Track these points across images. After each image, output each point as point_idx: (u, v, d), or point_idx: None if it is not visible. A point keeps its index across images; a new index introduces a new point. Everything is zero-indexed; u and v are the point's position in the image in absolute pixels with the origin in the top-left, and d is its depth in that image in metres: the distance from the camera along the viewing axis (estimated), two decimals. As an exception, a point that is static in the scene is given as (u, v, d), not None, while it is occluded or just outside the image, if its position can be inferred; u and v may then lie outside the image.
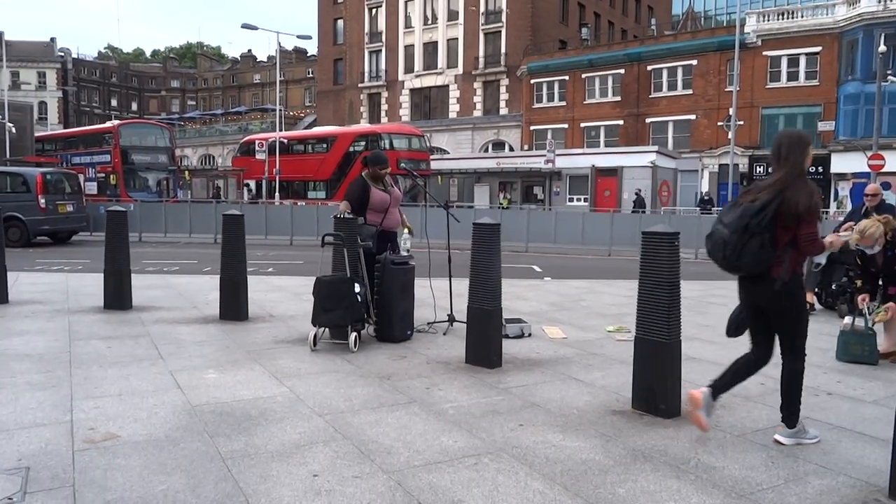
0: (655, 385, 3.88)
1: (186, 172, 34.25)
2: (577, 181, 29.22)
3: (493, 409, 3.97)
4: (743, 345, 5.07)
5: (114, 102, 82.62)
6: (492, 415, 3.88)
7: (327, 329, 5.58)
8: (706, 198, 26.20)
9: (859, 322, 5.21)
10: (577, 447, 3.38)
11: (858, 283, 6.97)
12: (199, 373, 4.69)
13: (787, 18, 33.29)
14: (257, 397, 4.14)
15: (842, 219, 25.33)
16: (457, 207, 15.82)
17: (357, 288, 5.48)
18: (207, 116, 68.50)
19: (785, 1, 52.34)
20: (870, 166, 22.01)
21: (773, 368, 5.00)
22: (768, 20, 33.56)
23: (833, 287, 7.47)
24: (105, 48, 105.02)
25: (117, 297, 7.14)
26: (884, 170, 23.38)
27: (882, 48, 23.17)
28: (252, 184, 31.74)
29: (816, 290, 7.57)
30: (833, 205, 31.33)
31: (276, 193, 28.76)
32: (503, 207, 27.68)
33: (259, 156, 29.77)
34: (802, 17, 33.15)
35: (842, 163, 30.88)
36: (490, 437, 3.51)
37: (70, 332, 6.02)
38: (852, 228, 7.36)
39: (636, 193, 25.54)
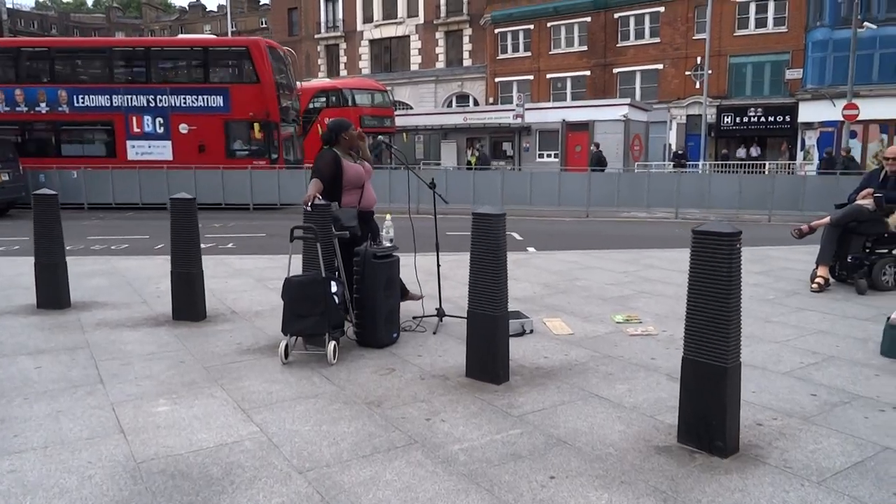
0: (710, 417, 3.19)
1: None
2: (547, 136, 28.37)
3: (513, 452, 3.25)
4: (782, 339, 4.36)
5: (54, 57, 78.23)
6: (513, 460, 3.15)
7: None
8: (679, 152, 25.66)
9: None
10: (631, 514, 2.69)
11: None
12: (147, 404, 3.86)
13: (757, -37, 32.46)
14: (220, 444, 3.34)
15: (811, 170, 25.05)
16: (423, 167, 14.94)
17: (334, 287, 4.66)
18: (156, 71, 65.21)
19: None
20: (844, 116, 21.65)
21: (817, 372, 4.30)
22: (737, -36, 32.65)
23: (849, 259, 6.90)
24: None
25: (52, 294, 6.19)
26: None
27: (858, -7, 22.60)
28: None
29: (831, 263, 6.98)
30: (800, 155, 31.20)
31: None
32: (472, 166, 26.79)
33: (212, 114, 28.10)
34: (772, -39, 32.36)
35: (809, 111, 30.59)
36: (518, 501, 2.79)
37: (-7, 344, 5.10)
38: (872, 195, 6.80)
39: (595, 147, 24.14)
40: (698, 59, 32.19)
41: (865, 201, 6.79)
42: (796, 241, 7.66)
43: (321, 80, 36.99)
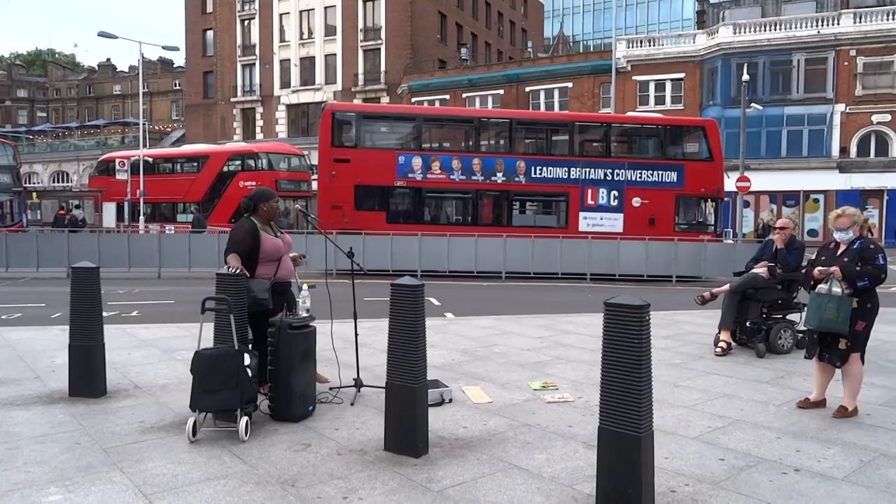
0: (626, 486, 3.23)
1: (34, 194, 30.78)
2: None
3: (434, 530, 3.17)
4: (690, 404, 4.49)
5: (-52, 113, 74.22)
6: (433, 540, 3.08)
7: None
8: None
9: (835, 288, 4.81)
10: (553, 591, 2.66)
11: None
12: (36, 494, 3.55)
13: (654, 46, 35.07)
14: (118, 535, 3.10)
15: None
16: (337, 234, 14.91)
17: (247, 360, 4.50)
18: (60, 129, 62.87)
19: (655, 28, 55.48)
20: (737, 188, 23.25)
21: (724, 436, 4.41)
22: (637, 46, 35.16)
23: (748, 324, 7.29)
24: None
25: (-69, 371, 5.68)
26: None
27: (745, 77, 24.68)
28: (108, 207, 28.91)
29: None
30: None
31: (141, 217, 26.36)
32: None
33: (120, 176, 27.24)
34: (667, 44, 35.05)
35: (706, 182, 32.73)
36: (439, 584, 2.71)
37: None
38: (767, 266, 7.26)
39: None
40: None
41: (761, 270, 7.24)
42: (699, 306, 8.04)
43: (236, 144, 36.63)
